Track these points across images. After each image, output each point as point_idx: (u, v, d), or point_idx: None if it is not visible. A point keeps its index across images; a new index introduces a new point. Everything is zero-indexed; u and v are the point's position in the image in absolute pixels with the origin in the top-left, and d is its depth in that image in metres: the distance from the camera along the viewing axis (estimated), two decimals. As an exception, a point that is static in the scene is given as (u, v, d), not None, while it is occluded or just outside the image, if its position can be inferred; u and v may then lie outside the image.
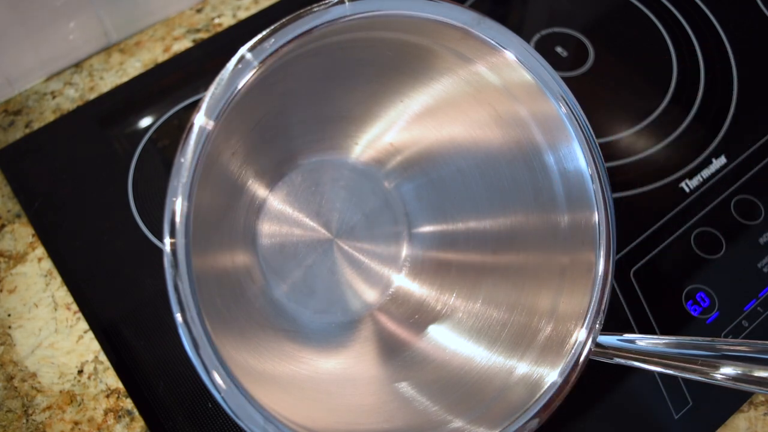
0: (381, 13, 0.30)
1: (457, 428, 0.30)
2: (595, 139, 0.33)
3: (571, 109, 0.33)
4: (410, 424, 0.32)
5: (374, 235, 0.40)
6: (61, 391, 0.38)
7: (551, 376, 0.31)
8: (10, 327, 0.40)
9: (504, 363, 0.33)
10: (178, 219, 0.26)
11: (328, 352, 0.37)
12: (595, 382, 0.39)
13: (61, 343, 0.40)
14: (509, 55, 0.32)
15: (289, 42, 0.28)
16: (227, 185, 0.35)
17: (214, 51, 0.51)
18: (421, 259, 0.40)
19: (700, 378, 0.29)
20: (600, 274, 0.32)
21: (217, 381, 0.26)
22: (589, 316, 0.31)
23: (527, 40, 0.41)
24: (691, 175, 0.46)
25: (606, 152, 0.47)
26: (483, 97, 0.35)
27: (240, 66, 0.27)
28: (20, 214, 0.44)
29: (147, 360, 0.39)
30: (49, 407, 0.38)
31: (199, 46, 0.51)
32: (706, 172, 0.46)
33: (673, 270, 0.43)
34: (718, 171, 0.46)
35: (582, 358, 0.31)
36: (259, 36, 0.28)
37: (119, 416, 0.38)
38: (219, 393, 0.26)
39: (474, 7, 0.31)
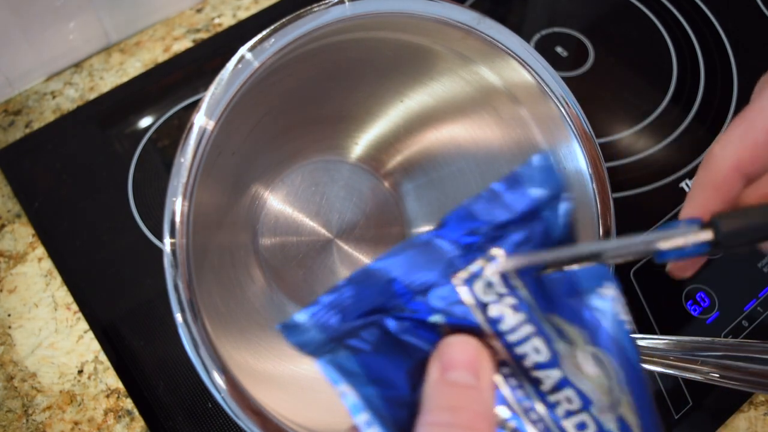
0: (381, 13, 0.30)
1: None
2: (595, 139, 0.33)
3: (571, 109, 0.33)
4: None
5: (374, 235, 0.40)
6: (61, 391, 0.38)
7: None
8: (10, 327, 0.40)
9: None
10: (178, 219, 0.26)
11: (328, 352, 0.37)
12: (595, 382, 0.39)
13: (61, 343, 0.40)
14: (509, 55, 0.32)
15: (289, 42, 0.28)
16: (227, 185, 0.35)
17: (214, 51, 0.51)
18: (421, 259, 0.40)
19: (700, 378, 0.29)
20: (600, 274, 0.32)
21: (217, 381, 0.26)
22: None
23: (527, 40, 0.41)
24: (691, 175, 0.46)
25: (606, 152, 0.47)
26: (483, 97, 0.35)
27: (240, 66, 0.27)
28: (20, 214, 0.44)
29: (147, 360, 0.39)
30: (49, 407, 0.38)
31: (199, 46, 0.51)
32: (706, 172, 0.46)
33: (673, 270, 0.43)
34: (718, 171, 0.46)
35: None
36: (259, 36, 0.28)
37: (119, 416, 0.38)
38: (219, 393, 0.26)
39: (474, 7, 0.31)
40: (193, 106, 0.48)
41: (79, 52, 0.50)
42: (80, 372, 0.39)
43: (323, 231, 0.39)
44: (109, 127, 0.47)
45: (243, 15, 0.53)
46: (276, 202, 0.38)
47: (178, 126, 0.47)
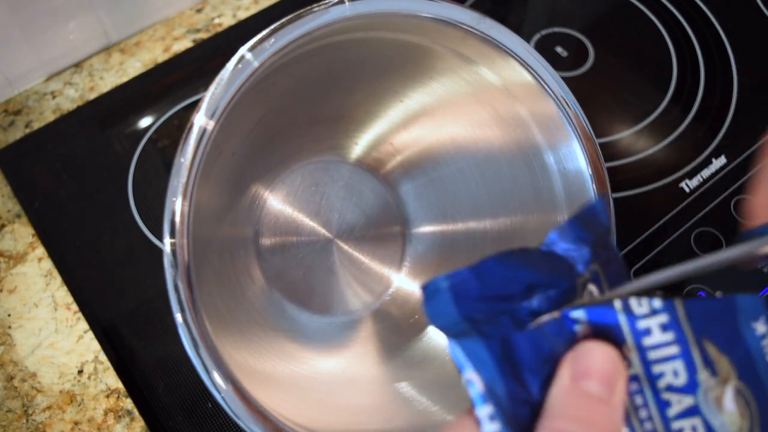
0: (381, 13, 0.30)
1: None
2: (595, 139, 0.33)
3: (571, 109, 0.33)
4: (410, 424, 0.32)
5: (374, 235, 0.40)
6: (61, 391, 0.38)
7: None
8: (10, 327, 0.40)
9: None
10: (178, 219, 0.26)
11: (328, 352, 0.37)
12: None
13: (61, 343, 0.40)
14: (509, 55, 0.32)
15: (289, 42, 0.28)
16: (227, 185, 0.35)
17: (214, 51, 0.51)
18: (421, 259, 0.40)
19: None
20: (600, 274, 0.32)
21: (217, 381, 0.26)
22: (589, 316, 0.31)
23: (527, 40, 0.41)
24: (691, 175, 0.46)
25: (606, 152, 0.47)
26: (483, 97, 0.35)
27: (240, 66, 0.27)
28: (20, 214, 0.44)
29: (147, 360, 0.39)
30: (49, 407, 0.38)
31: (199, 46, 0.51)
32: (706, 172, 0.46)
33: (673, 270, 0.43)
34: (718, 171, 0.46)
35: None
36: (259, 36, 0.28)
37: (119, 416, 0.38)
38: (219, 393, 0.26)
39: (474, 7, 0.31)
40: (193, 106, 0.48)
41: (79, 52, 0.50)
42: (80, 372, 0.39)
43: (323, 231, 0.39)
44: (109, 127, 0.47)
45: (243, 15, 0.53)
46: (276, 202, 0.38)
47: (178, 126, 0.47)
